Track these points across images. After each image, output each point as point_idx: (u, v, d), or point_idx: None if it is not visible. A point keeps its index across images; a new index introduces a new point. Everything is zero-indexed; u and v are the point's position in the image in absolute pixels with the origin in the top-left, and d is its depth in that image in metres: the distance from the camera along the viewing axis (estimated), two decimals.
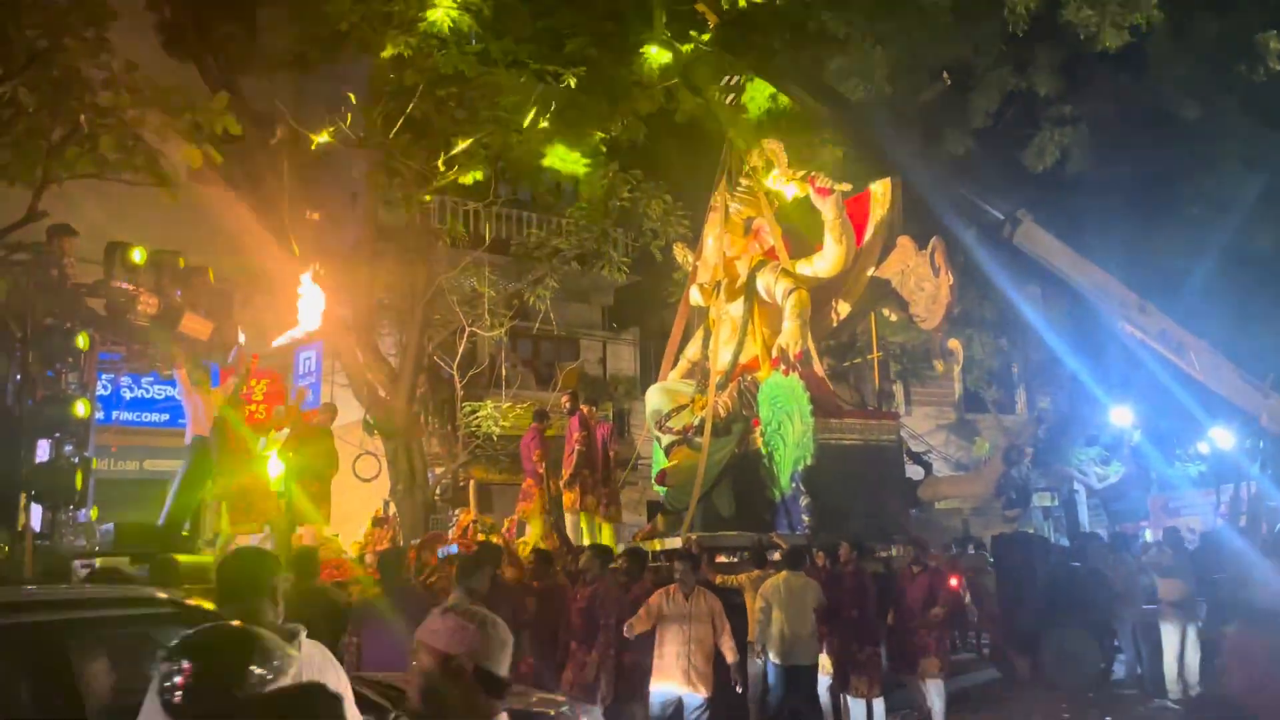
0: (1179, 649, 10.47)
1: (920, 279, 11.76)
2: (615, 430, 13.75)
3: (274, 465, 10.09)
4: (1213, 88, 14.13)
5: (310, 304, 9.08)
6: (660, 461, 12.59)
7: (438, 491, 15.12)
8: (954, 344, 12.56)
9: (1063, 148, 14.12)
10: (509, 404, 16.49)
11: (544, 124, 13.28)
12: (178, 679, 1.92)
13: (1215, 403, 12.51)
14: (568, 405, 12.37)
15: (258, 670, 1.94)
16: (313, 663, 2.74)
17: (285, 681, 2.01)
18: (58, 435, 8.73)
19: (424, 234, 14.62)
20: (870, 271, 12.26)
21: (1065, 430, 19.04)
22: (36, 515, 8.61)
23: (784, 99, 14.60)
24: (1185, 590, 10.62)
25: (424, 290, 14.01)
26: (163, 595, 3.93)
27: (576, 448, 11.80)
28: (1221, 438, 15.89)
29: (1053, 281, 13.70)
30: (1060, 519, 21.26)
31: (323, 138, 12.87)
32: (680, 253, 13.58)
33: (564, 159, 14.33)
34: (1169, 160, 14.35)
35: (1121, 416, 18.15)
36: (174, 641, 2.05)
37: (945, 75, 14.94)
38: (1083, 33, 12.53)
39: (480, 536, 11.58)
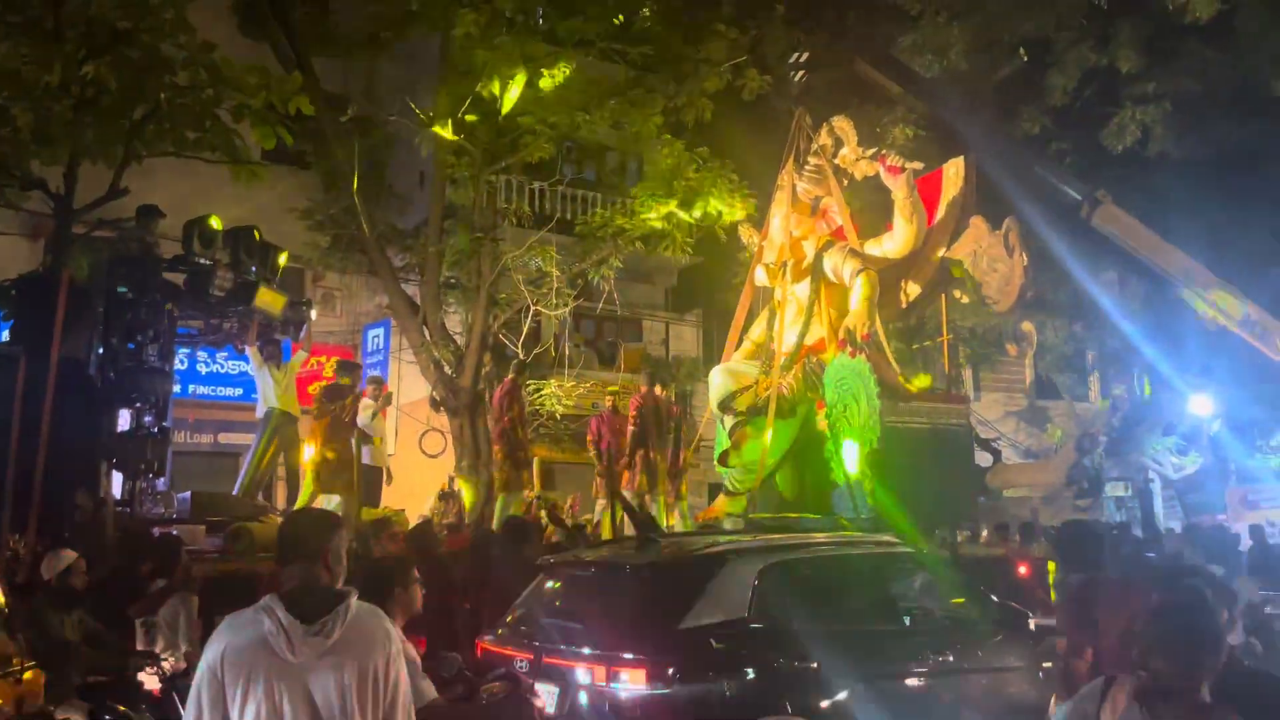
0: None
1: (993, 260, 11.44)
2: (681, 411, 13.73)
3: None
4: None
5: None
6: (723, 443, 12.52)
7: None
8: (1028, 326, 12.23)
9: (1144, 126, 13.62)
10: (572, 383, 16.55)
11: (610, 103, 13.22)
12: None
13: None
14: (644, 387, 12.41)
15: None
16: (360, 621, 2.80)
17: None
18: (138, 406, 9.02)
19: (490, 213, 14.70)
20: (941, 252, 11.97)
21: (1141, 419, 18.52)
22: (117, 482, 8.92)
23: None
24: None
25: (490, 269, 14.11)
26: (903, 542, 6.87)
27: (631, 429, 11.84)
28: None
29: (1130, 265, 13.29)
30: (1134, 509, 20.72)
31: (392, 117, 12.97)
32: (745, 233, 13.42)
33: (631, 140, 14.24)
34: (1256, 139, 13.78)
35: (1200, 405, 17.57)
36: None
37: (1022, 51, 14.53)
38: (1171, 3, 12.05)
39: (542, 514, 11.68)
